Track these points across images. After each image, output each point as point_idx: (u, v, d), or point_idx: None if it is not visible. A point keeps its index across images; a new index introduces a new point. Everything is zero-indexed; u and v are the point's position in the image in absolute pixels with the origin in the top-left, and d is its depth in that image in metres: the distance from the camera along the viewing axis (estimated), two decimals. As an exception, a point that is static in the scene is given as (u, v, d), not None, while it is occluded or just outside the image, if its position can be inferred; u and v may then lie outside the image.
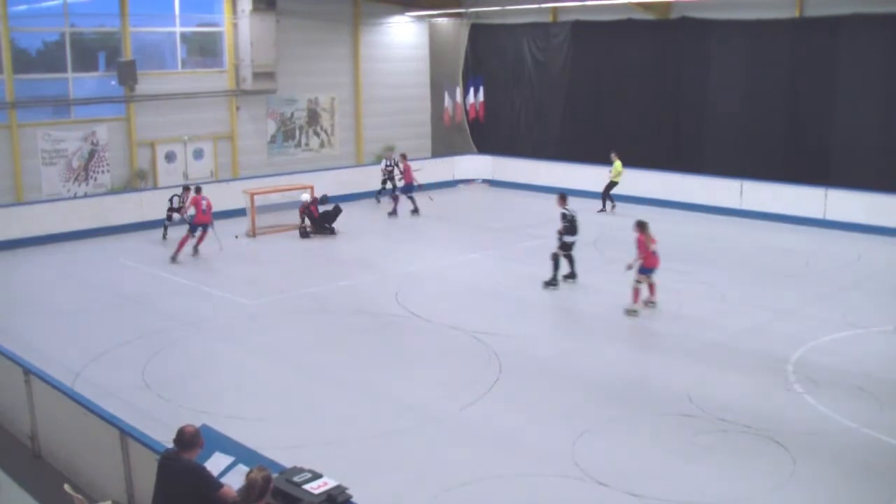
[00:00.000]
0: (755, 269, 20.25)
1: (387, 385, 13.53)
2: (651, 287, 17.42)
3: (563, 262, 19.04)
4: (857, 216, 24.27)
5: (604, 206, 27.63)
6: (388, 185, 27.75)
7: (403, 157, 27.46)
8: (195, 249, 21.96)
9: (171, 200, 23.89)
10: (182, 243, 21.72)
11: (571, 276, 19.21)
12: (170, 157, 27.87)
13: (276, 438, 11.25)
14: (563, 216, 18.87)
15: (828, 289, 18.77)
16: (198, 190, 22.40)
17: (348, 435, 11.62)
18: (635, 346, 15.27)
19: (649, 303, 17.36)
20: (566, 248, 18.98)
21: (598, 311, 17.37)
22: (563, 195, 19.37)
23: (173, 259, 21.48)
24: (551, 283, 18.82)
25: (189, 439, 7.63)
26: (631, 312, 16.91)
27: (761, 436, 11.56)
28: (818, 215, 25.04)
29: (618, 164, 27.56)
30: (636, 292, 17.11)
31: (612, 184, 27.74)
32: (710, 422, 12.05)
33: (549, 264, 18.84)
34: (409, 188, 26.92)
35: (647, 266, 17.15)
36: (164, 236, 23.84)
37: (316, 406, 12.76)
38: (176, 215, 23.65)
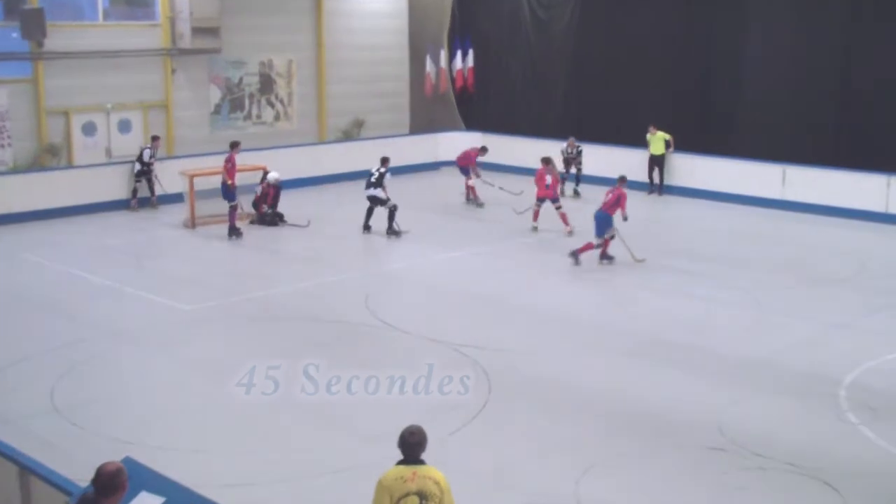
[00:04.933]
0: (800, 273, 20.26)
1: (353, 409, 13.43)
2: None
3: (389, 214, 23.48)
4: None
5: (651, 187, 29.09)
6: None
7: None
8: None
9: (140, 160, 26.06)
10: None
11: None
12: (88, 130, 27.70)
13: (218, 474, 11.15)
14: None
15: (889, 297, 18.76)
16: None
17: (306, 470, 11.54)
18: (652, 364, 15.21)
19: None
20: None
21: (608, 321, 17.39)
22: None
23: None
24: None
25: (108, 480, 7.45)
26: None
27: (807, 475, 11.53)
28: (879, 208, 25.07)
29: (657, 136, 28.65)
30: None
31: (655, 159, 28.79)
32: (744, 457, 12.00)
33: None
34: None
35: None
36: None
37: (266, 435, 12.66)
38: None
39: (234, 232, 23.32)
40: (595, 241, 20.66)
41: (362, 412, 13.34)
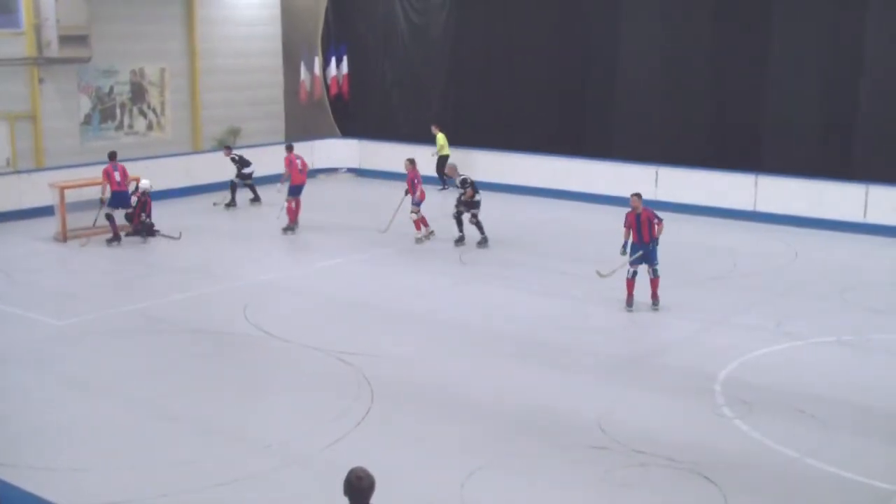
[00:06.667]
0: (675, 272, 20.54)
1: (235, 420, 13.32)
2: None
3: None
4: (794, 207, 24.99)
5: (443, 184, 29.39)
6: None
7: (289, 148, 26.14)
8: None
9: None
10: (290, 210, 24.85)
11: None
12: (-51, 143, 27.00)
13: (97, 493, 10.95)
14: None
15: (760, 293, 19.23)
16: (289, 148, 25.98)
17: (189, 484, 11.37)
18: (535, 366, 15.34)
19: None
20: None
21: (488, 324, 17.45)
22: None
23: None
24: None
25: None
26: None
27: (686, 470, 11.72)
28: (747, 206, 25.69)
29: (440, 136, 29.52)
30: None
31: (441, 159, 29.40)
32: (625, 455, 12.16)
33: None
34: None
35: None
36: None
37: (147, 449, 12.42)
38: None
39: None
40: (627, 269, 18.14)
41: (245, 423, 13.25)
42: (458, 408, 13.78)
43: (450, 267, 21.41)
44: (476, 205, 22.79)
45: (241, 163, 27.89)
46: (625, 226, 18.02)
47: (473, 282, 20.25)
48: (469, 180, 22.85)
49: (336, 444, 12.48)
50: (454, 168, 24.34)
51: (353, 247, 23.12)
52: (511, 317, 17.85)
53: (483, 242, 22.83)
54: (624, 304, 18.03)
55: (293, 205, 24.75)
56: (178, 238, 23.89)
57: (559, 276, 20.41)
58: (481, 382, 14.78)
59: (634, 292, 18.01)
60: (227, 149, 28.46)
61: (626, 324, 17.41)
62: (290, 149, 25.80)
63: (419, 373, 15.14)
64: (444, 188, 29.42)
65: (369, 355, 15.60)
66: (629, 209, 18.05)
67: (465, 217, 22.91)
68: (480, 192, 22.98)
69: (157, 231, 24.07)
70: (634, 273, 17.94)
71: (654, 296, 18.00)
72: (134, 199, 24.22)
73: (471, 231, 22.85)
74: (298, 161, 24.99)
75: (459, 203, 22.98)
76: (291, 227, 24.66)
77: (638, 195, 18.14)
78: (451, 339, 16.75)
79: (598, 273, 18.16)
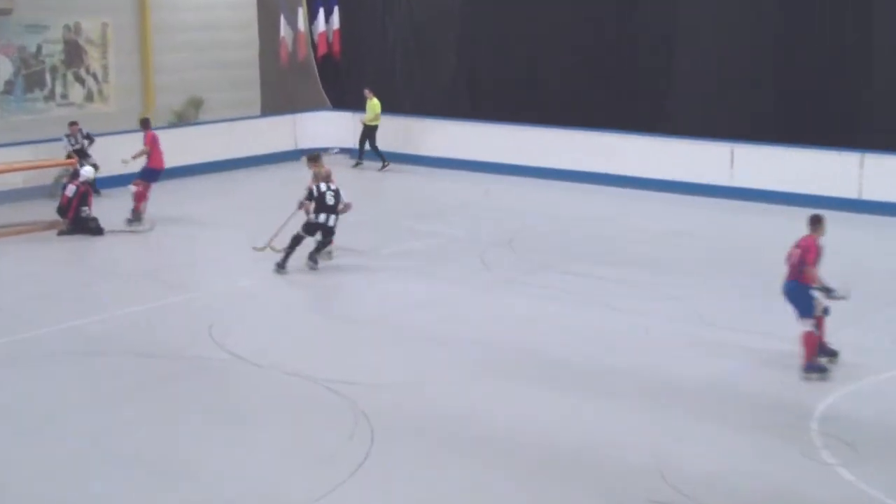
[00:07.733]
0: (754, 276, 20.42)
1: (200, 463, 13.22)
2: None
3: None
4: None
5: (360, 158, 30.91)
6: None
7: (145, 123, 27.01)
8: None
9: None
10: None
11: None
12: None
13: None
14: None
15: (869, 304, 18.86)
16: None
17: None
18: (576, 393, 15.23)
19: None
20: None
21: (508, 341, 17.41)
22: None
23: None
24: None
25: None
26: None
27: (774, 531, 11.58)
28: (851, 194, 25.58)
29: (374, 102, 30.87)
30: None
31: (369, 129, 30.92)
32: (692, 510, 12.03)
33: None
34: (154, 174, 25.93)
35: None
36: None
37: (88, 496, 12.37)
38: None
39: None
40: (807, 326, 15.81)
41: (211, 467, 13.13)
42: (475, 446, 13.66)
43: (468, 271, 21.43)
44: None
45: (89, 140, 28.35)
46: (812, 262, 15.83)
47: (496, 290, 20.21)
48: (315, 192, 21.18)
49: (326, 497, 12.29)
50: (319, 175, 21.80)
51: (346, 246, 22.95)
52: (537, 332, 17.82)
53: (279, 267, 21.18)
54: (802, 367, 15.70)
55: (143, 189, 25.13)
56: (151, 230, 23.99)
57: (598, 283, 20.39)
58: (504, 414, 14.65)
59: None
60: (73, 124, 28.43)
61: (689, 343, 17.18)
62: (147, 124, 26.54)
63: (428, 405, 15.07)
64: (359, 162, 31.18)
65: (364, 383, 15.52)
66: (813, 234, 16.09)
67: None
68: (334, 217, 21.16)
69: (103, 228, 24.00)
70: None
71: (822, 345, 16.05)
72: (72, 189, 24.17)
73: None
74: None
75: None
76: (138, 216, 25.02)
77: None
78: (468, 361, 16.70)
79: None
